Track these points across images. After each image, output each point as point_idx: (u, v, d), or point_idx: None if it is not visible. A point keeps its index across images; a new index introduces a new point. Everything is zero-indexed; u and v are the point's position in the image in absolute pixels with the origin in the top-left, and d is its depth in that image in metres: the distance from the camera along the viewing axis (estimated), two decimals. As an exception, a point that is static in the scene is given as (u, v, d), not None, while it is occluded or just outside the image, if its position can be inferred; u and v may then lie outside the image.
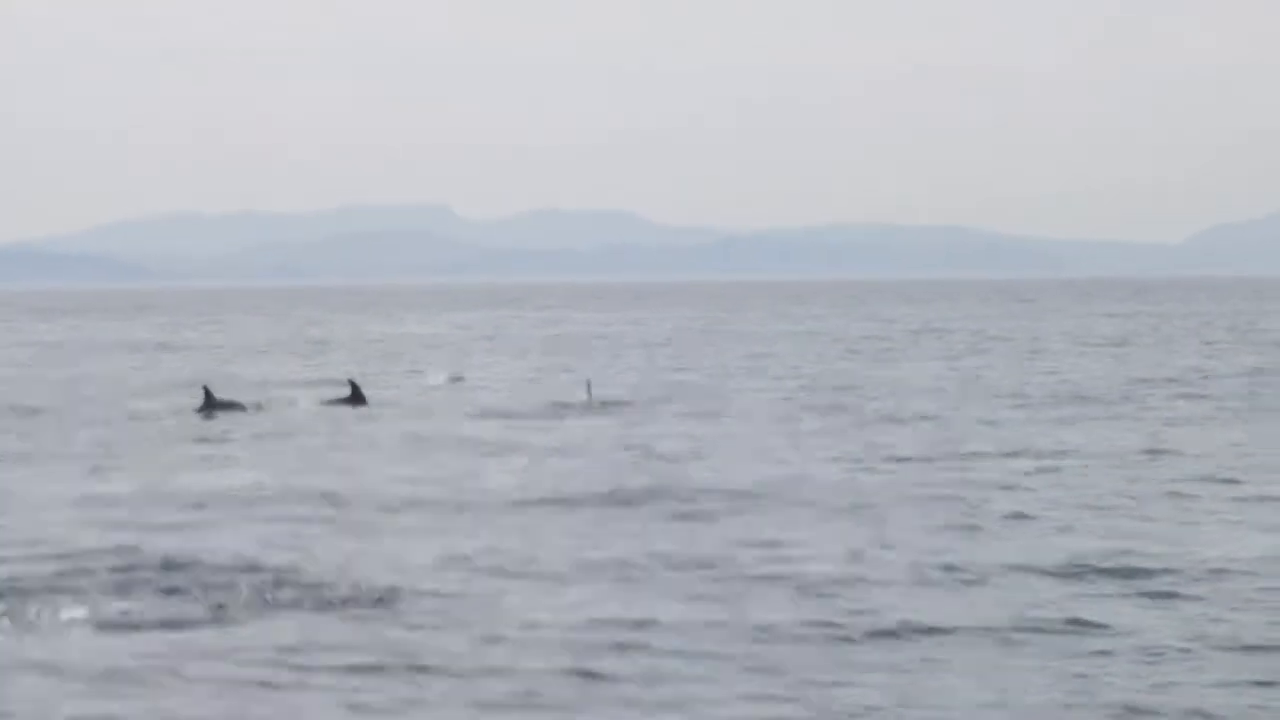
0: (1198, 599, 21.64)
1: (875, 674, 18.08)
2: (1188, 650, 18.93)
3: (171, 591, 22.10)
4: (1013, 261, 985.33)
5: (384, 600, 21.60)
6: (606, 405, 50.87)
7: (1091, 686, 17.54)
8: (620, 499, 30.91)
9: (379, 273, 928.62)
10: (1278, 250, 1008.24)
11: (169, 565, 23.83)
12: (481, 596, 22.01)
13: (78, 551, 25.20)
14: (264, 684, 18.00)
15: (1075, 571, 23.32)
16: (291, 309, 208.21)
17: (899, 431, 43.38)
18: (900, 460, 36.87)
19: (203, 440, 43.89)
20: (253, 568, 23.50)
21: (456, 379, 65.20)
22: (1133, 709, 16.80)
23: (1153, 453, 37.97)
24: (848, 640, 19.59)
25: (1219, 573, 23.24)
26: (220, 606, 21.25)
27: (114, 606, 21.19)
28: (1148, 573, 23.12)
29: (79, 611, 20.82)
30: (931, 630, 19.88)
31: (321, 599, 21.60)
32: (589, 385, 53.45)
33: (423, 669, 18.41)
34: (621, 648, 19.22)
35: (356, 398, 53.04)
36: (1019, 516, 28.29)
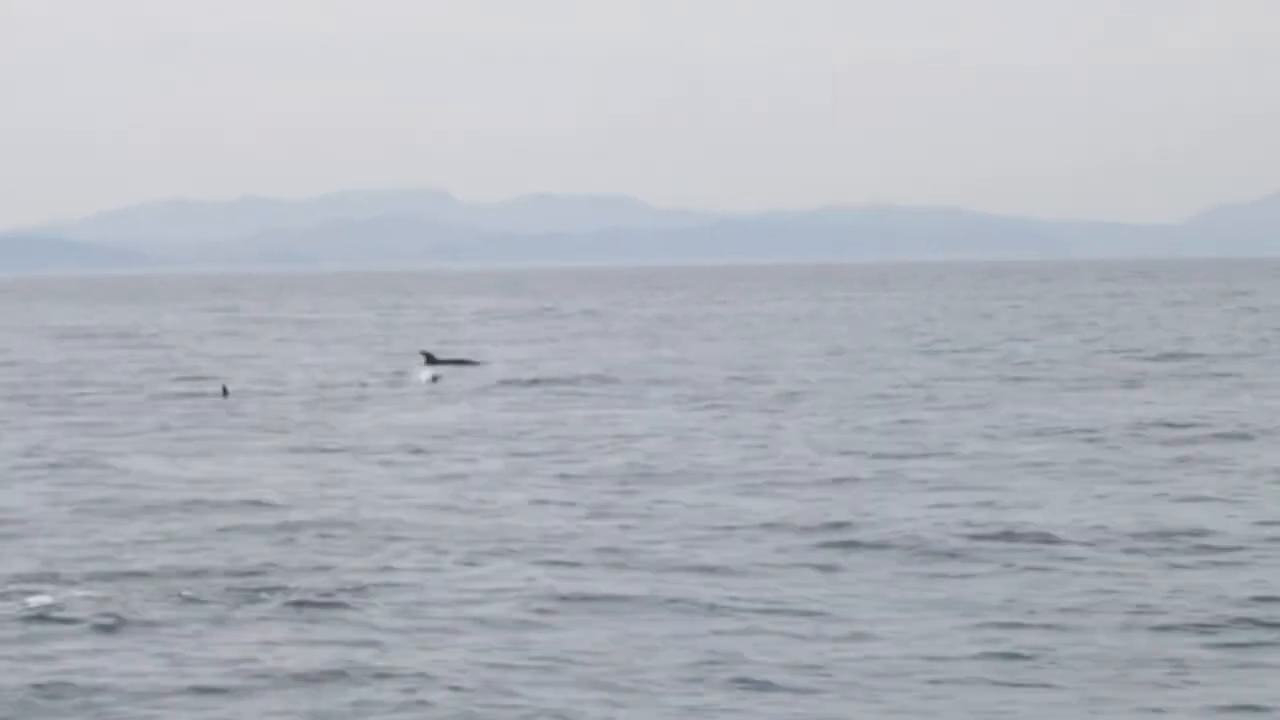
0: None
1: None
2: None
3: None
4: (1011, 244, 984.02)
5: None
6: None
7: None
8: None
9: (378, 257, 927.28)
10: (1278, 231, 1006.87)
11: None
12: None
13: None
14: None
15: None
16: (374, 293, 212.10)
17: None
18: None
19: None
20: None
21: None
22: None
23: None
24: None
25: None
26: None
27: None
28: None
29: None
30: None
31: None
32: None
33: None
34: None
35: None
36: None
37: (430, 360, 63.76)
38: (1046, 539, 26.08)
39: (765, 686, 18.18)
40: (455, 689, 18.04)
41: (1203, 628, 20.33)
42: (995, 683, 18.19)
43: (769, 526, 27.52)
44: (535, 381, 58.71)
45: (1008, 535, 26.48)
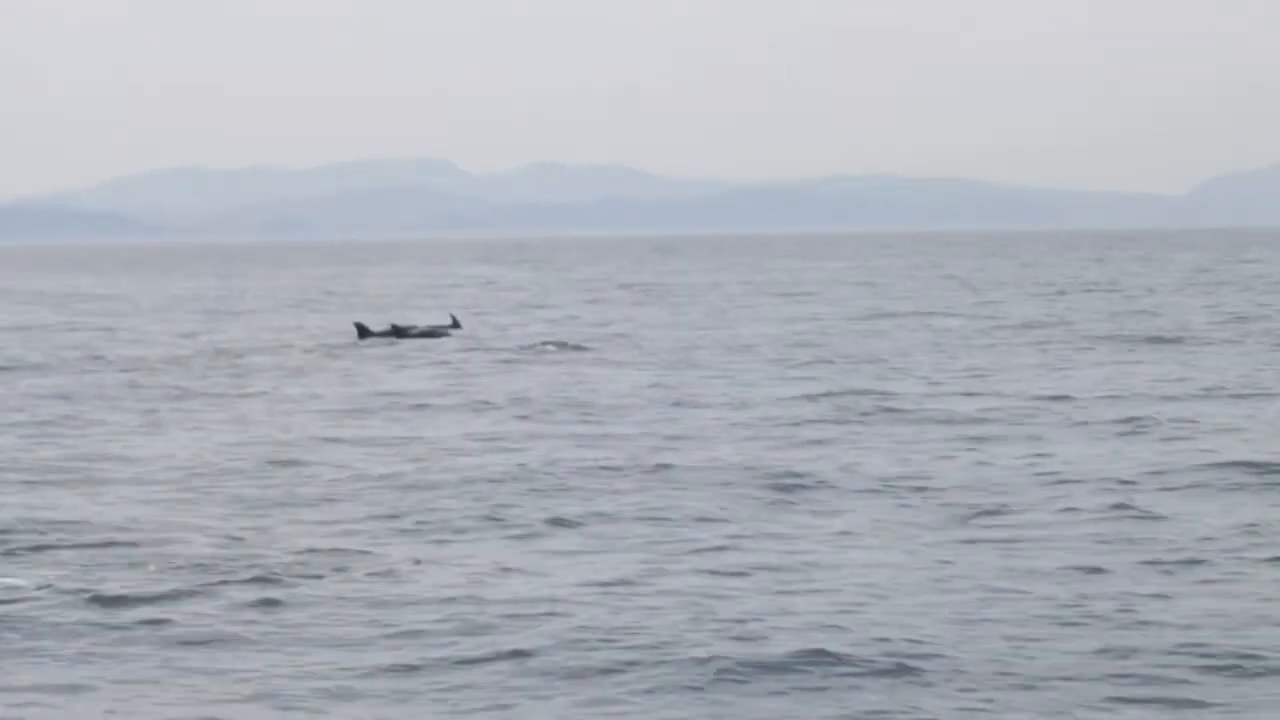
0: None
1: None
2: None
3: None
4: (1015, 213, 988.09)
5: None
6: None
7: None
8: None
9: (385, 228, 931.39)
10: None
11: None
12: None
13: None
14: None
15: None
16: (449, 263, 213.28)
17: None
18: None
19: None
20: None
21: None
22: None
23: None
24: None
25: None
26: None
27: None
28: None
29: None
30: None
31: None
32: None
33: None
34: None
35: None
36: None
37: (395, 331, 65.74)
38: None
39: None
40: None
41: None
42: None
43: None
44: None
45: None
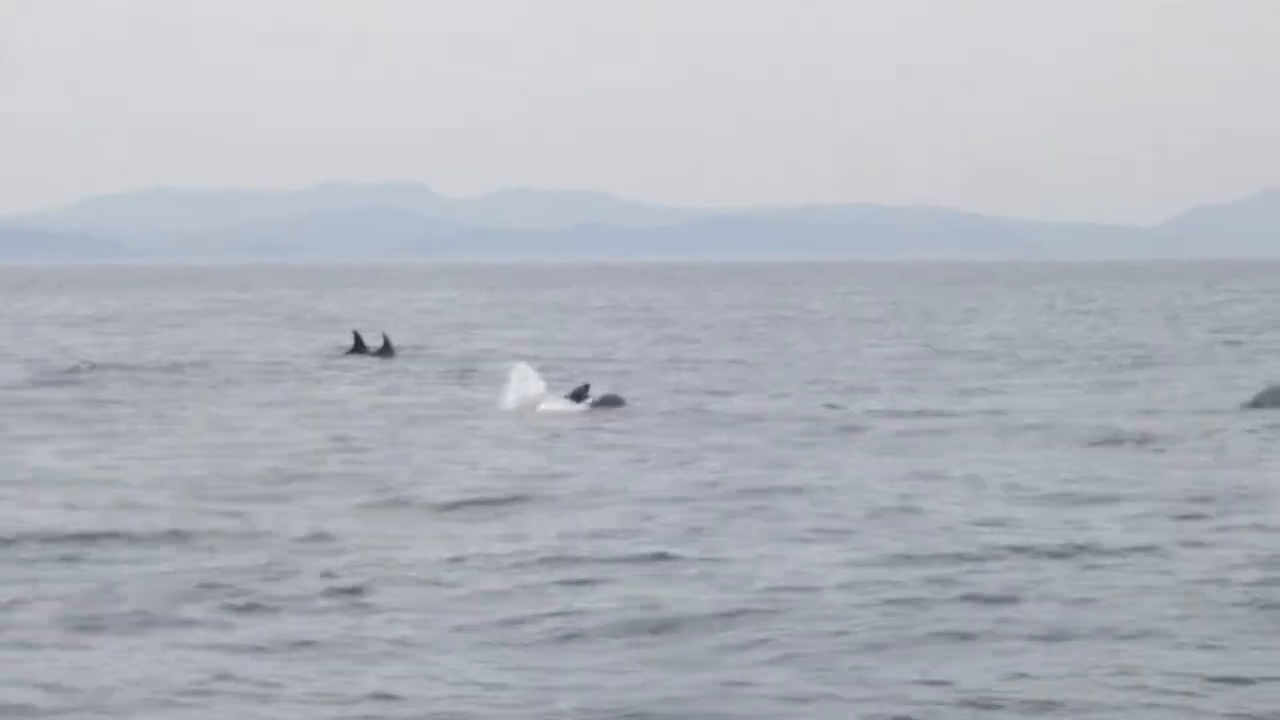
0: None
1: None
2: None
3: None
4: (990, 245, 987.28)
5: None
6: None
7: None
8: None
9: (361, 251, 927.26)
10: (1256, 233, 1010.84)
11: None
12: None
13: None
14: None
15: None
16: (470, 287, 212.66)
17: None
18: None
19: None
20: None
21: None
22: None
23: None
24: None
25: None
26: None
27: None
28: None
29: None
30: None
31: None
32: None
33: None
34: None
35: None
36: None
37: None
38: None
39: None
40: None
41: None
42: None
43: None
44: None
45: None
